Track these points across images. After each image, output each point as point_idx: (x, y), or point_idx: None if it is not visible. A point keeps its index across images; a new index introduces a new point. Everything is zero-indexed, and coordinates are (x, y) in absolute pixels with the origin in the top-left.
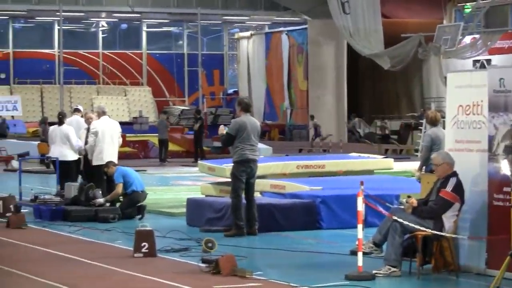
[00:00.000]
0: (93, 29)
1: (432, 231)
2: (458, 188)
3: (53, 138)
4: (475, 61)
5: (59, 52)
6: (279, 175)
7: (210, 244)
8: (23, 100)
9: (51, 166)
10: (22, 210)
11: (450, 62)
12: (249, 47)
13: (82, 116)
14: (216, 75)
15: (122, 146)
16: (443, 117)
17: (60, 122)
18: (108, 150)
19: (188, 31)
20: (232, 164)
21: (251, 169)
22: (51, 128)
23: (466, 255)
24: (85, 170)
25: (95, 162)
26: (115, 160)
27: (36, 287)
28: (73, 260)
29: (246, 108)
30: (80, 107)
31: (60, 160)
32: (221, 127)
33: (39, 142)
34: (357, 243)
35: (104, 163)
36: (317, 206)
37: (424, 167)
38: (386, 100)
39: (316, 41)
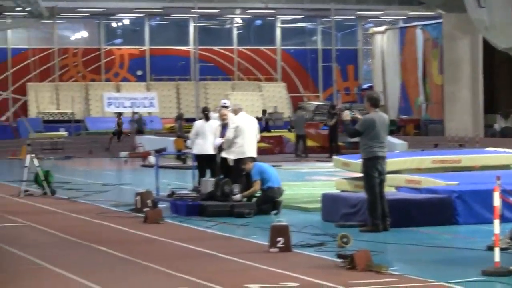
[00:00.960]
0: (227, 26)
1: None
2: None
3: (201, 132)
4: None
5: (194, 49)
6: (414, 170)
7: (345, 239)
8: (160, 97)
9: (188, 162)
10: (159, 205)
11: None
12: (383, 42)
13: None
14: (350, 70)
15: (258, 141)
16: None
17: (206, 117)
18: (248, 146)
19: (322, 26)
20: (362, 161)
21: (381, 166)
22: (198, 123)
23: None
24: (222, 166)
25: (234, 157)
26: (255, 155)
27: (173, 282)
28: (209, 255)
29: (375, 103)
30: (228, 103)
31: (203, 155)
32: (346, 112)
33: (175, 138)
34: (493, 238)
35: (244, 158)
36: (453, 201)
37: None
38: None
39: (451, 36)
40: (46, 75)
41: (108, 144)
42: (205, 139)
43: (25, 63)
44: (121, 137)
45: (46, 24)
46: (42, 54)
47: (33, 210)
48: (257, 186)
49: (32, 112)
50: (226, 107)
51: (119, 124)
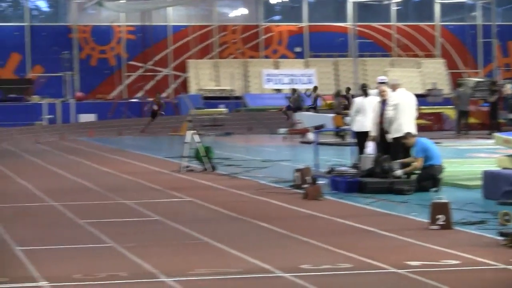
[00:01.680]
0: (386, 2)
1: None
2: None
3: (361, 109)
4: None
5: (353, 25)
6: None
7: (507, 217)
8: (318, 73)
9: (347, 138)
10: (318, 182)
11: None
12: None
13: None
14: (511, 46)
15: (417, 118)
16: None
17: (365, 93)
18: (407, 123)
19: (481, 2)
20: None
21: None
22: (358, 99)
23: None
24: (381, 142)
25: (394, 135)
26: (414, 132)
27: (333, 259)
28: (368, 231)
29: None
30: (385, 79)
31: (362, 132)
32: (507, 86)
33: (334, 114)
34: None
35: (404, 135)
36: None
37: None
38: None
39: None
40: (205, 52)
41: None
42: (365, 116)
43: (185, 40)
44: (292, 112)
45: (206, 1)
46: (202, 31)
47: (194, 186)
48: (419, 163)
49: (192, 88)
50: (383, 83)
51: (296, 100)
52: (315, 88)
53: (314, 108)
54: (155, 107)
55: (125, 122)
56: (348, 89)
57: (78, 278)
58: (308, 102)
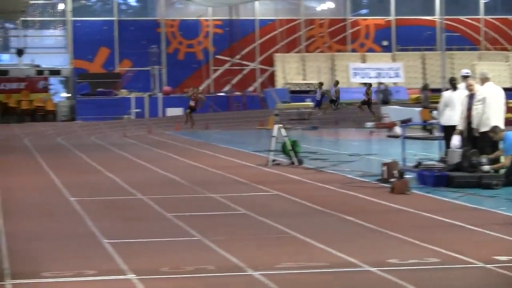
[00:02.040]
0: None
1: None
2: None
3: (449, 103)
4: None
5: (440, 18)
6: None
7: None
8: (405, 67)
9: (434, 132)
10: (405, 176)
11: None
12: None
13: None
14: None
15: (506, 112)
16: None
17: (454, 87)
18: (494, 117)
19: None
20: None
21: None
22: (446, 93)
23: None
24: (468, 137)
25: (481, 129)
26: (502, 126)
27: (420, 253)
28: (456, 226)
29: None
30: (470, 73)
31: (450, 125)
32: None
33: (421, 108)
34: None
35: (490, 128)
36: None
37: None
38: None
39: None
40: (292, 46)
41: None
42: (453, 110)
43: (272, 34)
44: (371, 107)
45: None
46: (289, 25)
47: (280, 180)
48: (507, 161)
49: (279, 82)
50: (467, 76)
51: (368, 94)
52: (320, 84)
53: (319, 105)
54: (192, 103)
55: (212, 116)
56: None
57: (166, 271)
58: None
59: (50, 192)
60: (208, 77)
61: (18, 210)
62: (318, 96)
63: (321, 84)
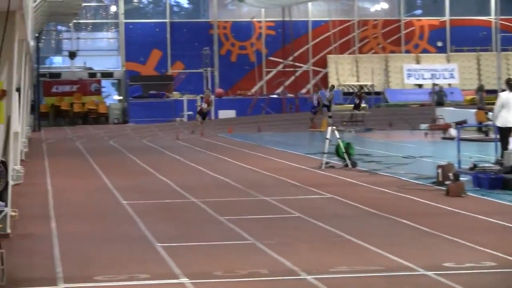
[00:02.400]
0: None
1: None
2: None
3: (505, 104)
4: None
5: (495, 19)
6: None
7: None
8: (460, 68)
9: (489, 134)
10: (461, 178)
11: None
12: None
13: None
14: None
15: None
16: None
17: (511, 88)
18: None
19: None
20: None
21: None
22: (503, 94)
23: None
24: None
25: None
26: None
27: (477, 256)
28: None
29: None
30: None
31: (506, 127)
32: None
33: (476, 109)
34: None
35: None
36: None
37: None
38: None
39: None
40: (346, 47)
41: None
42: (510, 111)
43: (325, 35)
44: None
45: None
46: (342, 26)
47: (334, 182)
48: None
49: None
50: None
51: (359, 97)
52: (332, 87)
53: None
54: (204, 105)
55: (264, 118)
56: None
57: (219, 275)
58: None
59: (102, 194)
60: (260, 79)
61: (70, 213)
62: (314, 101)
63: (332, 86)
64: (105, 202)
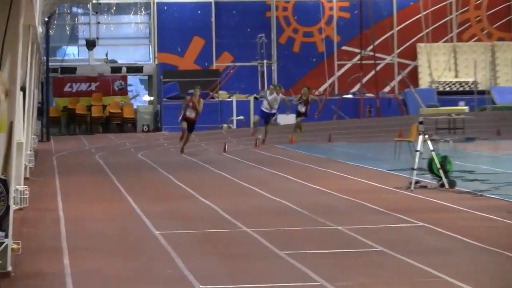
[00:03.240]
0: None
1: None
2: None
3: None
4: None
5: None
6: None
7: None
8: None
9: None
10: None
11: None
12: None
13: None
14: None
15: None
16: None
17: None
18: None
19: None
20: None
21: None
22: None
23: None
24: None
25: None
26: None
27: None
28: None
29: None
30: None
31: None
32: None
33: None
34: None
35: None
36: None
37: None
38: None
39: None
40: (441, 34)
41: None
42: None
43: (414, 18)
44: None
45: None
46: (436, 7)
47: (426, 207)
48: None
49: (424, 81)
50: None
51: (305, 102)
52: (275, 88)
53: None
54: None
55: (336, 124)
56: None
57: None
58: None
59: (129, 222)
60: (331, 75)
61: (88, 246)
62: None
63: (308, 88)
64: (133, 232)
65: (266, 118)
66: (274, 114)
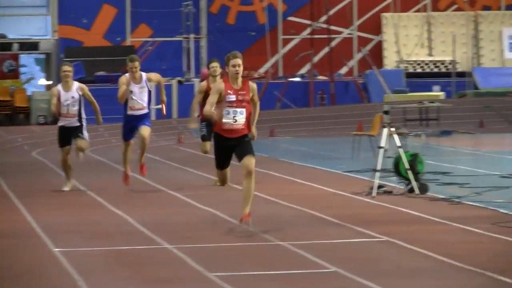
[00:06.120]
0: None
1: None
2: None
3: None
4: None
5: None
6: None
7: None
8: None
9: None
10: None
11: None
12: None
13: None
14: None
15: None
16: None
17: None
18: None
19: None
20: None
21: None
22: None
23: None
24: None
25: None
26: None
27: None
28: None
29: None
30: None
31: None
32: None
33: None
34: None
35: None
36: None
37: None
38: None
39: None
40: (412, 1)
41: None
42: None
43: None
44: None
45: None
46: None
47: (393, 218)
48: None
49: (390, 60)
50: None
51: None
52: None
53: None
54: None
55: (280, 114)
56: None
57: None
58: None
59: (20, 238)
60: (275, 53)
61: None
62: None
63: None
64: (25, 250)
65: None
66: None
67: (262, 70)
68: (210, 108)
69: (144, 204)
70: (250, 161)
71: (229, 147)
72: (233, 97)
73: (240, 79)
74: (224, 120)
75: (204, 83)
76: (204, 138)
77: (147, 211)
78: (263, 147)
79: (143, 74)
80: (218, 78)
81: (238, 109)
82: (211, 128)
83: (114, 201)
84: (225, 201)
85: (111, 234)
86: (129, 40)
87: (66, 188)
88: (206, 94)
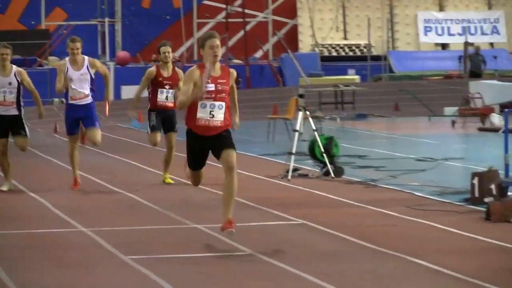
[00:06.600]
0: None
1: None
2: None
3: None
4: None
5: None
6: None
7: None
8: (507, 17)
9: None
10: (509, 193)
11: None
12: None
13: None
14: None
15: None
16: None
17: None
18: None
19: None
20: None
21: None
22: None
23: None
24: None
25: None
26: None
27: None
28: None
29: None
30: None
31: None
32: None
33: None
34: None
35: None
36: None
37: None
38: None
39: None
40: None
41: None
42: None
43: None
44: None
45: None
46: None
47: (308, 201)
48: None
49: (305, 44)
50: None
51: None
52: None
53: None
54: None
55: None
56: None
57: None
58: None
59: None
60: (190, 36)
61: None
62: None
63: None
64: None
65: None
66: None
67: (177, 54)
68: (186, 98)
69: (60, 187)
70: (230, 154)
71: (204, 147)
72: (211, 87)
73: (218, 65)
74: (199, 115)
75: (153, 69)
76: (154, 129)
77: (63, 194)
78: (179, 131)
79: (86, 58)
80: (170, 64)
81: (217, 103)
82: (162, 118)
83: (29, 185)
84: (141, 184)
85: (24, 218)
86: (44, 24)
87: (4, 188)
88: (155, 81)
